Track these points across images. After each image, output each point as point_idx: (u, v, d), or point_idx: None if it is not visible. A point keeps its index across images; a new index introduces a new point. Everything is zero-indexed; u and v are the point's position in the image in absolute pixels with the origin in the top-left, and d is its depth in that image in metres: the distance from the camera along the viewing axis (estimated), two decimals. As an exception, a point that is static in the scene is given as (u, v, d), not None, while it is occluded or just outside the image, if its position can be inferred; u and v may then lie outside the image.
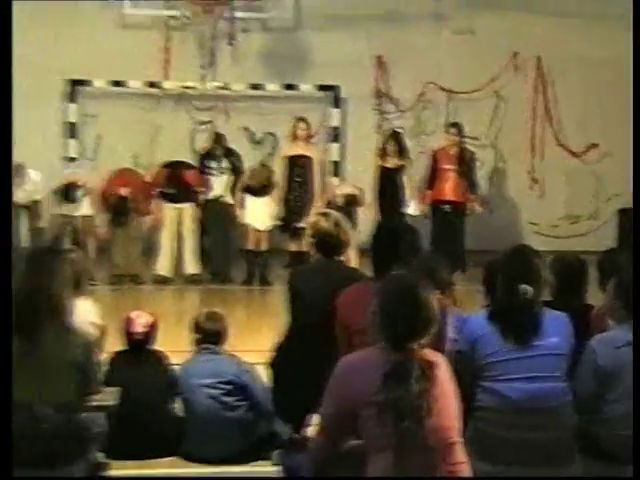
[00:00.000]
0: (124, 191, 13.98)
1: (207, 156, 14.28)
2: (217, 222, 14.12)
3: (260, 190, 13.89)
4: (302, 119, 14.37)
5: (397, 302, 4.56)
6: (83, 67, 15.36)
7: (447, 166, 14.25)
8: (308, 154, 14.17)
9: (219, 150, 14.13)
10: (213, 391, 7.01)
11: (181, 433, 7.07)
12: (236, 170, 14.05)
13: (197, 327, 7.32)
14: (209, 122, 15.53)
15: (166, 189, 13.95)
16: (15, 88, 14.59)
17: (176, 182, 13.99)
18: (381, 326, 4.52)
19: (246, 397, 7.09)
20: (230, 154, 14.17)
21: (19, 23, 15.01)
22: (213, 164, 14.03)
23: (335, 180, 15.07)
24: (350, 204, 13.56)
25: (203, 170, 14.11)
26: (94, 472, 6.02)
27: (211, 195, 14.00)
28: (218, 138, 14.30)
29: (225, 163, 14.04)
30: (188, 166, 14.31)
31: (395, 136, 14.56)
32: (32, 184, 13.71)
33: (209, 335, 7.29)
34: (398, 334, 4.46)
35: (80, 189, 13.82)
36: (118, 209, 13.88)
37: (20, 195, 13.69)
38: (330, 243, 6.78)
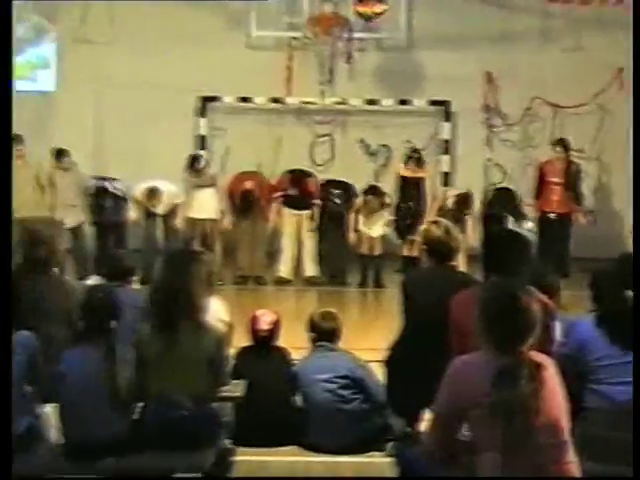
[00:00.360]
0: (249, 184, 14.18)
1: None
2: (334, 228, 14.20)
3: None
4: (416, 149, 14.42)
5: (498, 308, 4.54)
6: (213, 85, 15.57)
7: (553, 179, 14.13)
8: (420, 175, 14.21)
9: None
10: (330, 385, 7.02)
11: (301, 424, 7.12)
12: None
13: (313, 326, 7.35)
14: (327, 135, 15.63)
15: (288, 193, 14.12)
16: (150, 105, 15.03)
17: (298, 188, 14.12)
18: (486, 331, 4.52)
19: (361, 390, 7.08)
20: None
21: (155, 45, 15.42)
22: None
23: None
24: (461, 204, 13.52)
25: None
26: (223, 457, 6.13)
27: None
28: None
29: None
30: (309, 175, 14.43)
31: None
32: (168, 196, 13.89)
33: (324, 333, 7.30)
34: (502, 338, 4.44)
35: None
36: (244, 202, 14.01)
37: (160, 209, 14.02)
38: (441, 249, 6.76)
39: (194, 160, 14.03)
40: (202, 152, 14.90)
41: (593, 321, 5.59)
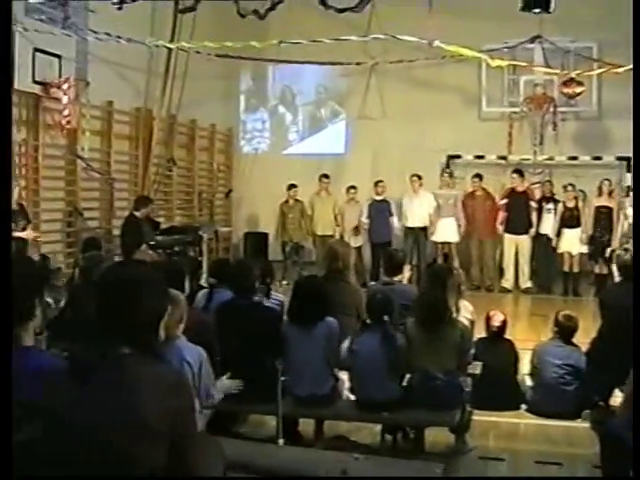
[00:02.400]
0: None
1: (543, 199, 14.05)
2: (543, 250, 13.90)
3: (572, 224, 13.60)
4: (607, 179, 13.95)
5: None
6: (456, 146, 15.56)
7: None
8: (610, 205, 13.71)
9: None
10: (559, 370, 6.70)
11: (524, 395, 6.95)
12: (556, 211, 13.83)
13: (557, 322, 6.93)
14: (539, 182, 15.32)
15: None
16: (412, 161, 15.13)
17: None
18: None
19: (578, 377, 6.73)
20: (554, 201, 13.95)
21: (414, 118, 15.56)
22: (549, 206, 13.83)
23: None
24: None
25: (540, 209, 13.89)
26: (466, 417, 6.07)
27: (541, 230, 13.81)
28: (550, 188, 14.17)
29: (551, 205, 13.83)
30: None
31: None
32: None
33: (565, 329, 6.91)
34: None
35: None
36: None
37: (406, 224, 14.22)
38: (630, 270, 6.55)
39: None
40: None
41: None
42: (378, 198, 14.40)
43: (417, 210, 14.21)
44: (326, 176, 14.71)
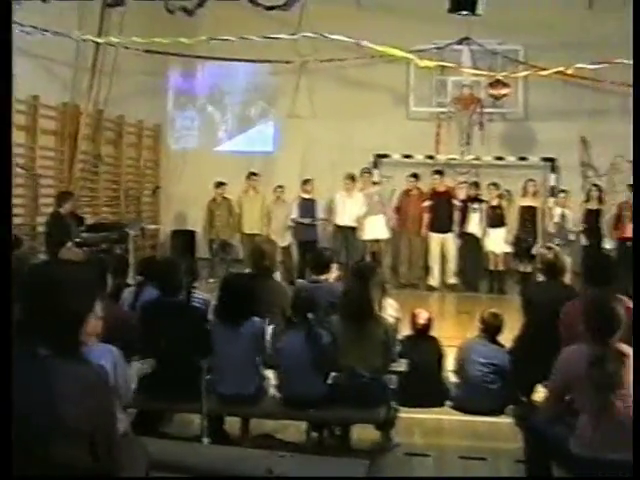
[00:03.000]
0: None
1: (469, 200, 14.22)
2: (469, 248, 14.07)
3: (497, 223, 13.79)
4: (532, 179, 14.20)
5: (596, 312, 4.58)
6: (384, 145, 15.64)
7: (628, 213, 13.84)
8: (534, 205, 13.95)
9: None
10: (483, 368, 6.79)
11: (450, 392, 7.02)
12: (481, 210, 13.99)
13: (483, 320, 7.03)
14: (465, 182, 15.52)
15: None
16: (341, 161, 15.18)
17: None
18: (587, 328, 4.54)
19: (502, 376, 6.76)
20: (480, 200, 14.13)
21: (343, 118, 15.61)
22: (474, 205, 14.00)
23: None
24: (563, 220, 13.44)
25: (466, 209, 14.05)
26: (391, 414, 6.11)
27: (467, 229, 13.98)
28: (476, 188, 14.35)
29: (477, 205, 14.00)
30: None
31: (597, 187, 14.35)
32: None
33: (489, 327, 6.99)
34: (599, 333, 4.47)
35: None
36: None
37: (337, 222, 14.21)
38: (553, 269, 6.66)
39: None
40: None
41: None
42: (306, 197, 14.42)
43: (349, 210, 14.28)
44: (254, 174, 14.68)
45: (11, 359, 2.62)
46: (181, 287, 6.16)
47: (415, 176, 14.49)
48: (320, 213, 14.49)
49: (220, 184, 14.42)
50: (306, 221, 14.31)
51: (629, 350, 4.50)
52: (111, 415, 2.85)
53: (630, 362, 4.45)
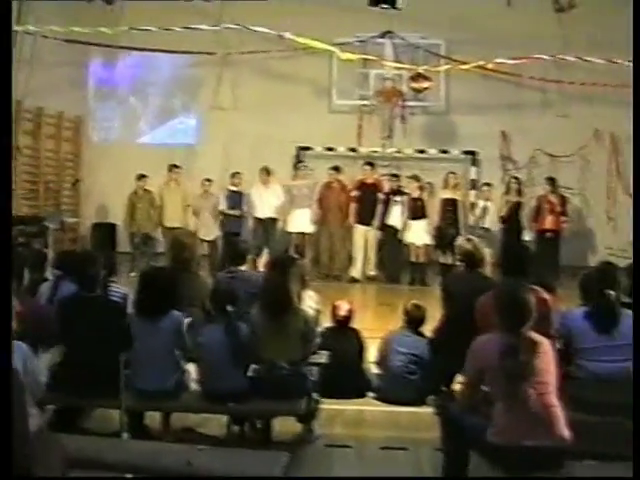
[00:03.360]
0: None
1: (392, 192, 14.30)
2: (390, 241, 14.16)
3: (417, 215, 13.92)
4: (453, 172, 14.37)
5: (506, 300, 4.69)
6: (306, 138, 15.67)
7: (546, 206, 14.13)
8: (455, 197, 14.13)
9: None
10: (405, 357, 6.85)
11: (371, 383, 7.05)
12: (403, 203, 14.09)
13: (406, 312, 7.08)
14: (387, 174, 15.65)
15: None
16: (264, 153, 15.15)
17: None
18: (499, 317, 4.64)
19: (422, 367, 6.81)
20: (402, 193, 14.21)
21: (266, 110, 15.57)
22: (396, 198, 14.08)
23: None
24: (485, 213, 13.62)
25: (388, 201, 14.09)
26: (312, 406, 6.13)
27: (389, 221, 14.06)
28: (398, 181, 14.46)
29: (399, 197, 14.08)
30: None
31: (517, 179, 14.59)
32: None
33: (412, 319, 7.04)
34: (510, 322, 4.56)
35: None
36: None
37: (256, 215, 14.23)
38: (471, 259, 6.74)
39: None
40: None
41: (582, 313, 5.54)
42: (233, 189, 14.36)
43: (266, 202, 14.25)
44: (176, 167, 14.53)
45: (11, 359, 2.54)
46: (99, 281, 6.07)
47: (336, 169, 14.50)
48: (246, 206, 14.46)
49: (142, 176, 14.24)
50: (233, 213, 14.24)
51: (542, 339, 4.59)
52: (22, 412, 2.80)
53: (544, 351, 4.55)
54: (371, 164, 14.52)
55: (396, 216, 13.90)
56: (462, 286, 6.59)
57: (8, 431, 2.53)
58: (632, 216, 12.75)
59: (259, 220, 14.35)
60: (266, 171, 14.27)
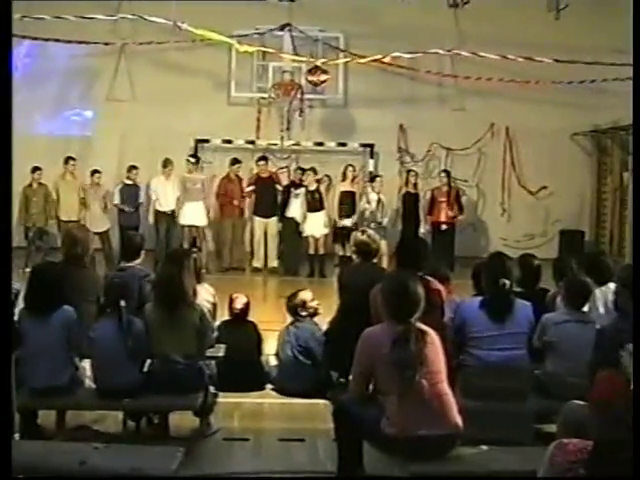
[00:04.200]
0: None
1: (292, 185, 14.34)
2: (290, 233, 14.20)
3: (316, 208, 13.98)
4: (351, 165, 14.46)
5: (393, 290, 4.73)
6: (204, 130, 15.54)
7: (441, 199, 14.38)
8: (353, 189, 14.24)
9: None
10: (294, 349, 7.00)
11: (268, 376, 7.07)
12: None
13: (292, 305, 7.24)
14: (286, 167, 15.66)
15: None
16: (160, 145, 14.96)
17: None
18: (386, 307, 4.69)
19: (311, 355, 6.99)
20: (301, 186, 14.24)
21: (163, 102, 15.37)
22: (297, 191, 14.10)
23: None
24: (379, 205, 13.73)
25: (288, 194, 14.11)
26: (209, 400, 6.09)
27: (288, 214, 14.09)
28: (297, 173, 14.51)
29: (299, 190, 14.10)
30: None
31: (414, 172, 14.84)
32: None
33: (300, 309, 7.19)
34: (397, 312, 4.61)
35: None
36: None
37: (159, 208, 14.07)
38: (366, 251, 6.80)
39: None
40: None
41: (474, 302, 5.66)
42: (129, 182, 14.16)
43: (170, 194, 14.12)
44: (72, 158, 14.22)
45: (11, 358, 2.42)
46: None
47: (237, 162, 14.45)
48: (142, 199, 14.29)
49: (36, 169, 13.87)
50: (127, 209, 14.06)
51: (429, 330, 4.65)
52: None
53: (432, 341, 4.61)
54: (265, 158, 14.53)
55: (296, 208, 13.92)
56: (356, 277, 6.66)
57: (8, 431, 2.43)
58: (632, 216, 12.95)
59: (161, 213, 14.16)
60: (170, 163, 14.13)
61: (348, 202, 14.02)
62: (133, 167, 14.23)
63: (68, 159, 14.18)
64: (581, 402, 4.23)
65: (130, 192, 14.15)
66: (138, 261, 6.83)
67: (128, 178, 14.18)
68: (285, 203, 14.04)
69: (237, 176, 14.44)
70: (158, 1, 12.88)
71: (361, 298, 5.91)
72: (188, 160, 14.30)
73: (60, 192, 13.98)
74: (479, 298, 5.71)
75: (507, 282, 5.55)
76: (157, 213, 14.19)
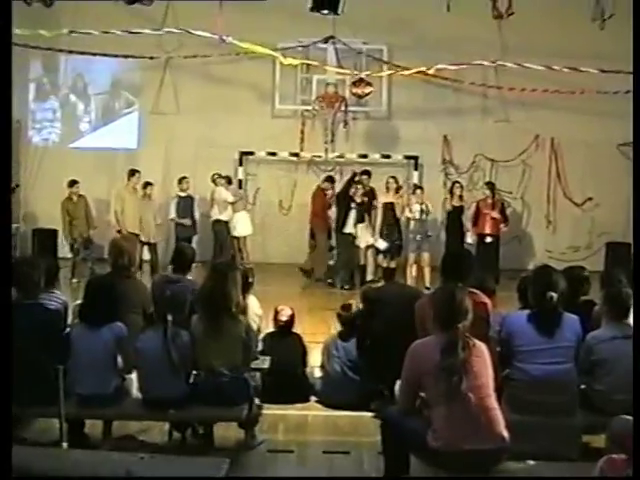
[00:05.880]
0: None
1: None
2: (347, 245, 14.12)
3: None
4: (392, 177, 14.40)
5: (444, 300, 4.74)
6: (248, 142, 15.63)
7: (486, 211, 14.26)
8: (395, 201, 14.16)
9: None
10: (340, 361, 7.02)
11: (313, 388, 7.07)
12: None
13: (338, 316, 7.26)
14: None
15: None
16: (205, 157, 15.10)
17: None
18: (436, 318, 4.69)
19: (358, 369, 6.99)
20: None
21: (208, 114, 15.50)
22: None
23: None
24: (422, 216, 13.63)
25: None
26: (254, 411, 6.10)
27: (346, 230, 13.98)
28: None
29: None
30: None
31: (459, 184, 14.69)
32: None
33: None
34: (446, 321, 4.60)
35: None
36: None
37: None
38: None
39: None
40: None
41: (521, 315, 5.60)
42: (183, 195, 14.36)
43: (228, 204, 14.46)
44: (137, 171, 14.28)
45: (11, 356, 2.47)
46: (38, 288, 5.98)
47: (331, 179, 14.53)
48: (197, 211, 14.68)
49: (73, 182, 13.99)
50: (186, 222, 14.39)
51: (478, 342, 4.63)
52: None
53: (481, 353, 4.59)
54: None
55: (351, 223, 13.90)
56: (393, 295, 6.63)
57: (8, 431, 2.48)
58: (632, 217, 12.85)
59: (219, 222, 14.48)
60: (223, 176, 14.37)
61: (391, 214, 13.93)
62: (183, 178, 14.39)
63: (133, 172, 14.27)
64: (629, 417, 4.17)
65: (186, 204, 14.36)
66: (189, 273, 6.88)
67: (181, 190, 14.35)
68: (345, 217, 13.93)
69: (323, 191, 14.42)
70: (203, 14, 13.01)
71: (397, 315, 5.89)
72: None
73: (125, 205, 14.04)
74: (526, 311, 5.64)
75: (555, 295, 5.48)
76: (214, 222, 14.46)
